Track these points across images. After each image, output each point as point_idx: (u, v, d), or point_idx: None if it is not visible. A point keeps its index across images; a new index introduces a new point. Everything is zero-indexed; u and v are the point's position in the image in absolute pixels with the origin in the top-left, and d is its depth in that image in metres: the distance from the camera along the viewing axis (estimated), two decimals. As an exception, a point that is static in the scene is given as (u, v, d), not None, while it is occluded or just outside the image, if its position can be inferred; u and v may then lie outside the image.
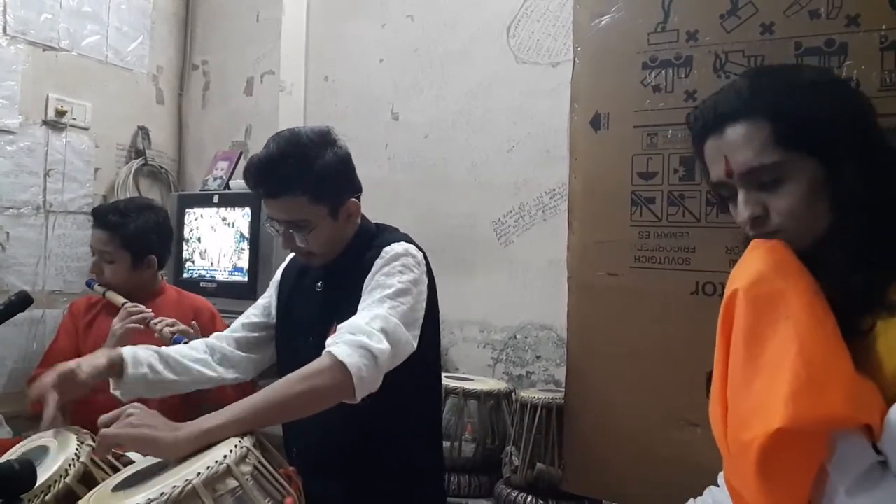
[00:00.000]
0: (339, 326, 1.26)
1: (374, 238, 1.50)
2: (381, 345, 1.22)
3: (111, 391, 1.43)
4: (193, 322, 1.92)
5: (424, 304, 1.41)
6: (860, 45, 1.60)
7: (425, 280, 1.43)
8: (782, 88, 0.92)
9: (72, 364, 1.31)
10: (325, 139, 1.44)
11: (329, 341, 1.22)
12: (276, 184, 1.40)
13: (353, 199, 1.48)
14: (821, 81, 0.95)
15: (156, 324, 1.87)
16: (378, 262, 1.40)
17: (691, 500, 1.16)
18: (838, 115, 0.90)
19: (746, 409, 0.84)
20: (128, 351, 1.39)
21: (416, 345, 1.33)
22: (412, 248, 1.45)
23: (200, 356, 1.50)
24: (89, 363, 1.34)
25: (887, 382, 0.80)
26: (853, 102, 0.94)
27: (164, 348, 1.47)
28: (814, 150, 0.89)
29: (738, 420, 0.85)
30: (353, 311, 1.30)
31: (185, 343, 1.78)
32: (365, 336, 1.22)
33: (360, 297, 1.36)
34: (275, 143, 1.42)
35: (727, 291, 0.91)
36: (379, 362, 1.21)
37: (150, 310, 1.96)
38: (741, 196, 0.93)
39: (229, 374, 1.53)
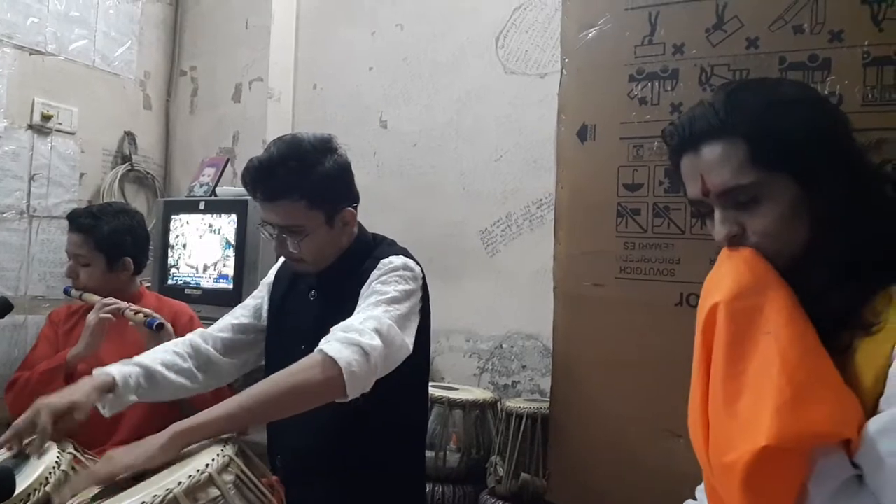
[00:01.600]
0: (333, 328, 1.25)
1: (371, 249, 1.49)
2: (374, 342, 1.21)
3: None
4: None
5: (419, 317, 1.40)
6: (843, 61, 1.62)
7: (420, 293, 1.43)
8: (759, 107, 0.91)
9: (64, 404, 1.24)
10: (326, 146, 1.44)
11: (321, 341, 1.21)
12: (273, 187, 1.39)
13: (350, 209, 1.48)
14: (798, 99, 0.93)
15: (130, 312, 1.85)
16: (375, 273, 1.39)
17: None
18: (816, 134, 0.88)
19: (730, 429, 0.83)
20: (120, 377, 1.34)
21: (411, 349, 1.32)
22: (411, 263, 1.44)
23: (184, 366, 1.47)
24: (84, 402, 1.27)
25: (864, 398, 0.80)
26: (831, 120, 0.92)
27: (149, 362, 1.42)
28: (791, 169, 0.88)
29: (722, 439, 0.85)
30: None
31: (160, 324, 1.76)
32: (356, 334, 1.21)
33: (355, 306, 1.35)
34: (275, 147, 1.42)
35: (705, 304, 0.90)
36: (371, 359, 1.19)
37: (126, 302, 1.94)
38: (718, 215, 0.93)
39: (211, 383, 1.51)
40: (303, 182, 1.38)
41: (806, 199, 0.88)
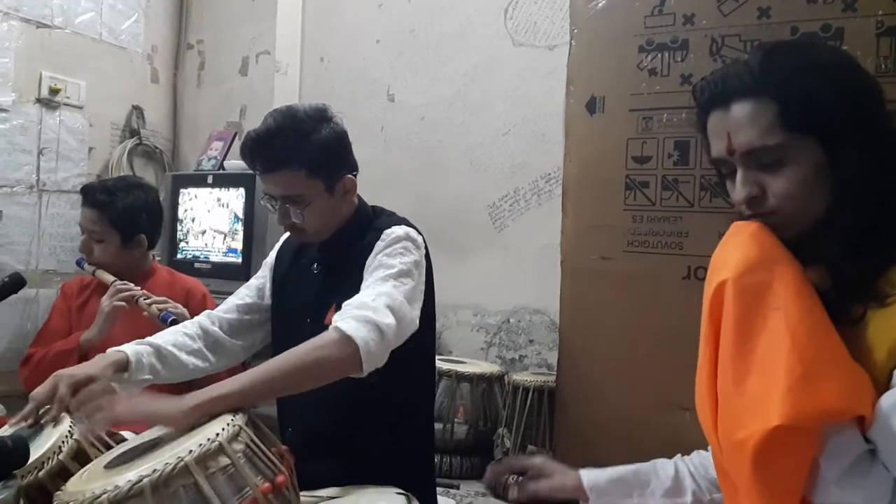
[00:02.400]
0: (345, 304, 1.25)
1: (372, 220, 1.49)
2: (388, 319, 1.22)
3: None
4: (180, 310, 1.90)
5: (424, 287, 1.41)
6: (856, 31, 1.60)
7: (424, 264, 1.43)
8: (793, 70, 0.90)
9: (82, 375, 1.25)
10: (321, 115, 1.45)
11: (335, 317, 1.22)
12: (272, 157, 1.40)
13: (350, 177, 1.48)
14: (832, 65, 0.91)
15: (145, 301, 1.86)
16: (379, 244, 1.40)
17: (679, 455, 1.17)
18: (848, 100, 0.87)
19: (739, 406, 0.83)
20: (133, 354, 1.36)
21: (417, 323, 1.33)
22: (413, 232, 1.45)
23: (195, 347, 1.49)
24: (101, 376, 1.28)
25: (876, 371, 0.80)
26: (864, 87, 0.91)
27: (161, 342, 1.44)
28: (819, 133, 0.87)
29: (731, 418, 0.84)
30: (351, 293, 1.30)
31: (174, 320, 1.76)
32: (371, 311, 1.22)
33: (358, 278, 1.36)
34: (272, 118, 1.42)
35: (712, 281, 0.89)
36: (386, 337, 1.20)
37: (140, 287, 1.95)
38: (740, 175, 0.92)
39: (220, 363, 1.52)
40: (300, 151, 1.39)
41: (830, 165, 0.87)
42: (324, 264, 1.51)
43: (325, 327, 1.21)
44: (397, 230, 1.42)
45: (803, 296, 0.83)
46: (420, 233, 1.48)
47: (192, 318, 1.75)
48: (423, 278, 1.41)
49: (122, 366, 1.34)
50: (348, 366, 1.19)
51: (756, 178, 0.90)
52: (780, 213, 0.89)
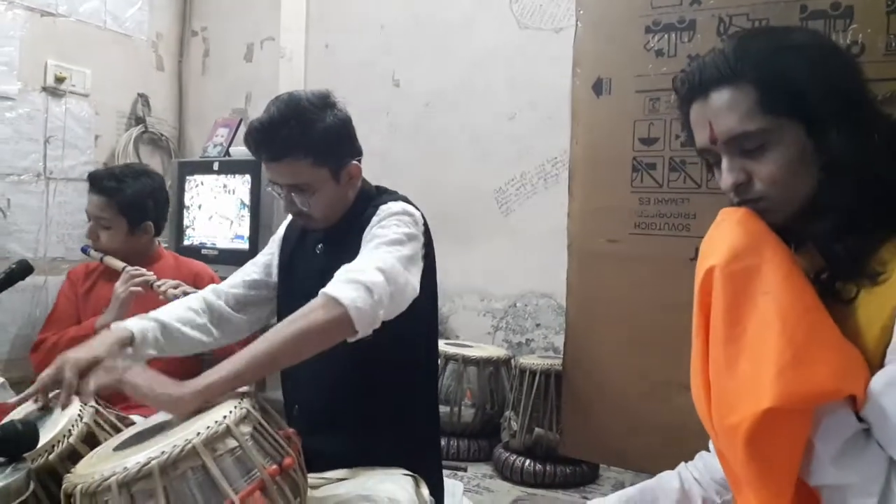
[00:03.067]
0: (336, 272, 1.26)
1: (372, 199, 1.50)
2: (376, 278, 1.21)
3: None
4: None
5: (422, 259, 1.40)
6: (866, 8, 1.58)
7: (422, 239, 1.43)
8: (768, 53, 0.90)
9: (87, 358, 1.24)
10: (325, 102, 1.44)
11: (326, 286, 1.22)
12: (277, 147, 1.39)
13: (355, 162, 1.48)
14: (807, 45, 0.92)
15: (159, 286, 1.87)
16: (374, 219, 1.40)
17: (682, 463, 1.17)
18: (825, 80, 0.87)
19: (731, 391, 0.83)
20: (138, 330, 1.36)
21: (417, 288, 1.32)
22: (409, 208, 1.44)
23: (199, 322, 1.49)
24: (106, 356, 1.27)
25: (870, 350, 0.80)
26: (841, 66, 0.91)
27: (165, 317, 1.44)
28: (799, 115, 0.87)
29: (724, 403, 0.84)
30: None
31: None
32: (357, 273, 1.22)
33: (358, 254, 1.36)
34: (275, 107, 1.41)
35: (701, 268, 0.89)
36: (374, 294, 1.19)
37: (152, 272, 1.97)
38: (725, 162, 0.92)
39: (224, 339, 1.53)
40: (305, 139, 1.38)
41: (813, 146, 0.87)
42: (327, 245, 1.52)
43: None
44: (393, 205, 1.42)
45: (792, 279, 0.83)
46: (419, 209, 1.48)
47: None
48: (420, 250, 1.40)
49: (127, 342, 1.34)
50: (339, 327, 1.17)
51: (741, 165, 0.90)
52: (768, 198, 0.89)
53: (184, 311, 1.48)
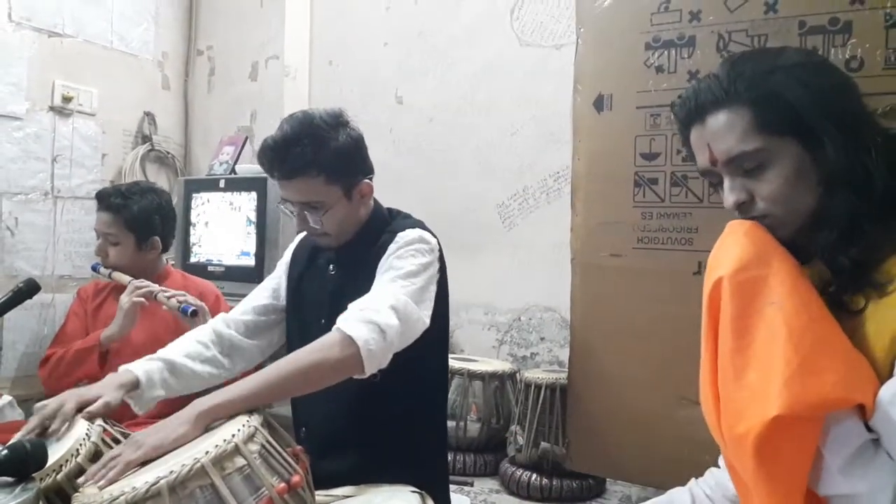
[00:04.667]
0: (350, 305, 1.27)
1: (388, 223, 1.50)
2: (390, 320, 1.23)
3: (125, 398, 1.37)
4: (202, 306, 1.94)
5: (436, 287, 1.41)
6: (865, 24, 1.59)
7: (437, 265, 1.44)
8: (760, 74, 0.92)
9: (92, 395, 1.26)
10: (338, 121, 1.45)
11: (339, 319, 1.23)
12: (290, 165, 1.41)
13: (367, 181, 1.49)
14: (799, 63, 0.94)
15: (163, 295, 1.89)
16: (392, 247, 1.40)
17: (693, 479, 1.17)
18: (819, 97, 0.89)
19: (740, 400, 0.84)
20: (143, 374, 1.35)
21: (428, 322, 1.33)
22: (426, 235, 1.46)
23: (208, 355, 1.48)
24: (108, 397, 1.28)
25: (877, 363, 0.81)
26: (834, 82, 0.93)
27: (172, 355, 1.42)
28: (795, 133, 0.89)
29: (732, 412, 0.85)
30: (364, 294, 1.31)
31: (193, 311, 1.82)
32: (373, 312, 1.23)
33: (372, 279, 1.37)
34: (289, 125, 1.43)
35: (709, 279, 0.91)
36: (388, 336, 1.21)
37: (156, 284, 1.99)
38: (726, 183, 0.94)
39: (237, 367, 1.53)
40: (319, 158, 1.39)
41: (812, 162, 0.89)
42: (339, 265, 1.53)
43: None
44: (411, 233, 1.43)
45: (799, 289, 0.84)
46: (434, 235, 1.49)
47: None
48: (434, 279, 1.41)
49: (133, 385, 1.33)
50: (349, 366, 1.20)
51: (742, 185, 0.93)
52: (772, 215, 0.91)
53: (191, 346, 1.47)
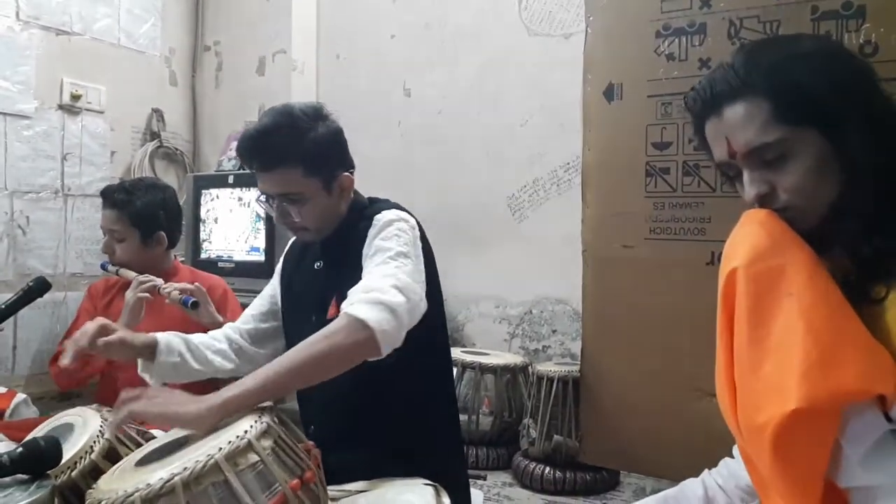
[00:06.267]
0: (350, 291, 1.25)
1: (365, 209, 1.50)
2: (398, 298, 1.22)
3: (139, 372, 1.47)
4: (197, 284, 1.95)
5: (424, 267, 1.41)
6: (879, 7, 1.57)
7: (419, 244, 1.43)
8: (777, 63, 0.90)
9: (116, 327, 1.39)
10: (317, 113, 1.46)
11: (344, 304, 1.22)
12: (270, 156, 1.41)
13: (347, 174, 1.49)
14: (816, 51, 0.92)
15: (165, 290, 1.91)
16: (372, 231, 1.40)
17: (706, 470, 1.16)
18: (837, 85, 0.87)
19: (757, 392, 0.83)
20: (162, 337, 1.43)
21: (426, 302, 1.33)
22: (404, 214, 1.45)
23: (220, 347, 1.53)
24: (132, 335, 1.42)
25: None
26: (852, 69, 0.91)
27: (189, 336, 1.50)
28: (815, 122, 0.87)
29: (750, 404, 0.84)
30: (350, 284, 1.29)
31: (195, 302, 1.86)
32: (379, 293, 1.22)
33: (357, 268, 1.36)
34: (268, 117, 1.44)
35: (724, 270, 0.89)
36: (398, 315, 1.20)
37: (160, 279, 2.00)
38: (746, 175, 0.92)
39: (245, 367, 1.54)
40: (297, 148, 1.40)
41: (833, 151, 0.87)
42: (325, 260, 1.53)
43: (329, 321, 1.21)
44: (387, 214, 1.42)
45: (816, 280, 0.83)
46: (413, 215, 1.48)
47: (214, 306, 1.90)
48: (422, 259, 1.41)
49: (151, 343, 1.42)
50: (366, 349, 1.18)
51: (762, 177, 0.91)
52: (793, 207, 0.89)
53: (206, 337, 1.54)
